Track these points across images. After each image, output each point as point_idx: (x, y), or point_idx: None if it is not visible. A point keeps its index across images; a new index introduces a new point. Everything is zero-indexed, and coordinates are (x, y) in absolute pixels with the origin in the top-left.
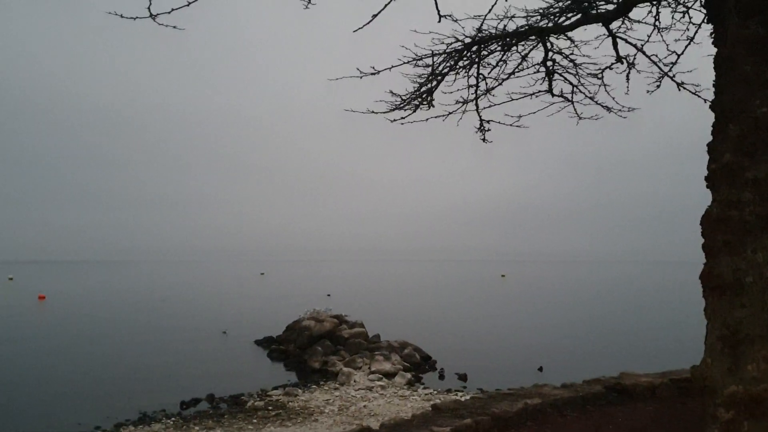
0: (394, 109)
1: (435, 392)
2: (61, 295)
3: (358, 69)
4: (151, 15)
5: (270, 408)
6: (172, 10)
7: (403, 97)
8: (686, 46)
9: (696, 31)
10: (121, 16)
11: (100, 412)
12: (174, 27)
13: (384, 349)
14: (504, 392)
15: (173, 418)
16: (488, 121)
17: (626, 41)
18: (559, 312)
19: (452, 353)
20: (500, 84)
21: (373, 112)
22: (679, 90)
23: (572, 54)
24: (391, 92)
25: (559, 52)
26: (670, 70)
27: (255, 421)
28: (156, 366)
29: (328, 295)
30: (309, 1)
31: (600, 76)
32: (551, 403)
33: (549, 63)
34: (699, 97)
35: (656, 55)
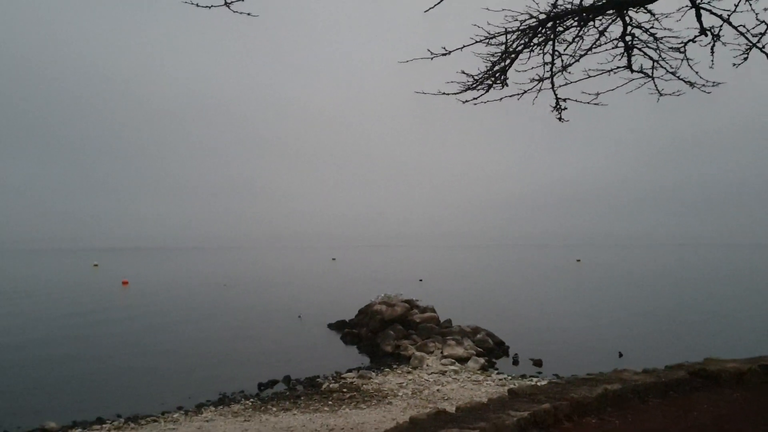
0: (466, 90)
1: (509, 377)
2: (143, 281)
3: (428, 50)
4: (226, 3)
5: (345, 390)
6: None
7: (476, 77)
8: None
9: None
10: (197, 5)
11: (182, 393)
12: (248, 14)
13: (456, 334)
14: (582, 377)
15: (252, 399)
16: (564, 100)
17: (711, 12)
18: (637, 296)
19: (526, 339)
20: (577, 61)
21: (444, 93)
22: None
23: (652, 27)
24: (463, 72)
25: (639, 26)
26: (759, 41)
27: (330, 402)
28: (235, 348)
29: (420, 280)
30: None
31: (682, 49)
32: (632, 389)
33: (628, 38)
34: None
35: (744, 26)
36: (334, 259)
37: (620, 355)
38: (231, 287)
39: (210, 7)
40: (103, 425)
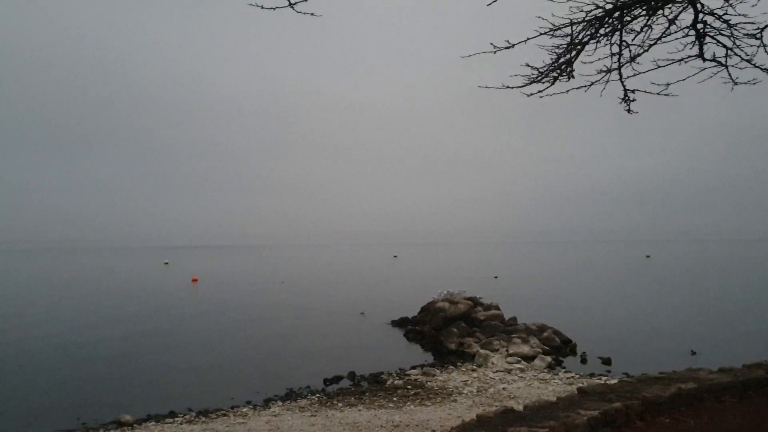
0: (531, 83)
1: (577, 376)
2: (212, 278)
3: (491, 44)
4: (290, 4)
5: (409, 387)
6: None
7: (541, 70)
8: None
9: None
10: (262, 8)
11: (251, 388)
12: (312, 14)
13: (521, 332)
14: (654, 376)
15: (318, 395)
16: (633, 91)
17: None
18: (711, 293)
19: (594, 337)
20: (646, 51)
21: (508, 87)
22: None
23: (726, 14)
24: (528, 65)
25: (711, 13)
26: None
27: (395, 399)
28: (299, 344)
29: (496, 277)
30: None
31: (758, 36)
32: (708, 388)
33: (699, 25)
34: None
35: None
36: (395, 256)
37: (693, 353)
38: (289, 284)
39: (275, 8)
40: (176, 418)
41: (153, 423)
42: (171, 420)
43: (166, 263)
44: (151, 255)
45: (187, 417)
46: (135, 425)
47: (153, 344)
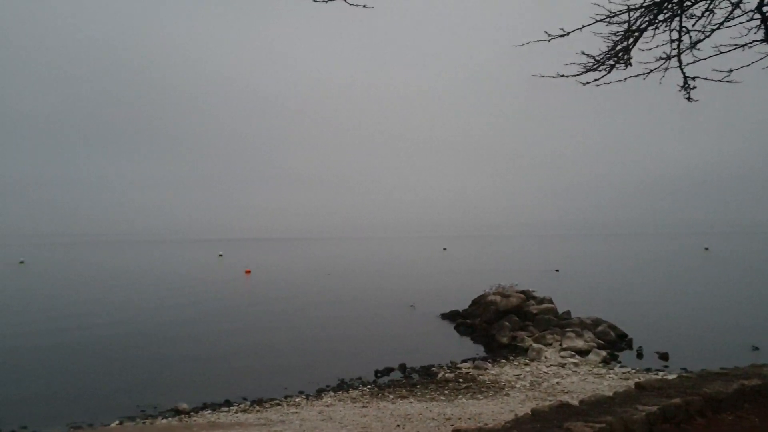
0: (586, 71)
1: (633, 371)
2: (264, 270)
3: (546, 32)
4: None
5: (460, 380)
6: None
7: (597, 58)
8: None
9: None
10: (314, 0)
11: (303, 378)
12: (364, 6)
13: (575, 326)
14: (715, 372)
15: (369, 386)
16: (693, 78)
17: None
18: None
19: (651, 331)
20: (707, 36)
21: (563, 75)
22: None
23: None
24: (584, 53)
25: None
26: None
27: (446, 392)
28: (351, 336)
29: (557, 270)
30: None
31: None
32: None
33: (765, 8)
34: None
35: None
36: (445, 248)
37: (755, 348)
38: (338, 277)
39: (327, 1)
40: (231, 407)
41: (209, 411)
42: (227, 409)
43: (221, 255)
44: (206, 247)
45: (241, 406)
46: (192, 413)
47: (209, 335)
